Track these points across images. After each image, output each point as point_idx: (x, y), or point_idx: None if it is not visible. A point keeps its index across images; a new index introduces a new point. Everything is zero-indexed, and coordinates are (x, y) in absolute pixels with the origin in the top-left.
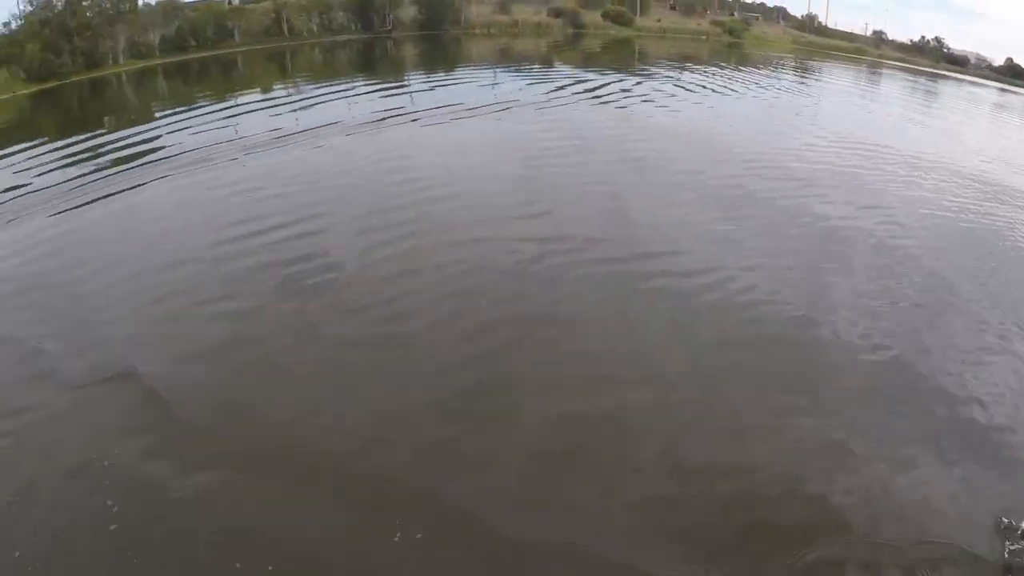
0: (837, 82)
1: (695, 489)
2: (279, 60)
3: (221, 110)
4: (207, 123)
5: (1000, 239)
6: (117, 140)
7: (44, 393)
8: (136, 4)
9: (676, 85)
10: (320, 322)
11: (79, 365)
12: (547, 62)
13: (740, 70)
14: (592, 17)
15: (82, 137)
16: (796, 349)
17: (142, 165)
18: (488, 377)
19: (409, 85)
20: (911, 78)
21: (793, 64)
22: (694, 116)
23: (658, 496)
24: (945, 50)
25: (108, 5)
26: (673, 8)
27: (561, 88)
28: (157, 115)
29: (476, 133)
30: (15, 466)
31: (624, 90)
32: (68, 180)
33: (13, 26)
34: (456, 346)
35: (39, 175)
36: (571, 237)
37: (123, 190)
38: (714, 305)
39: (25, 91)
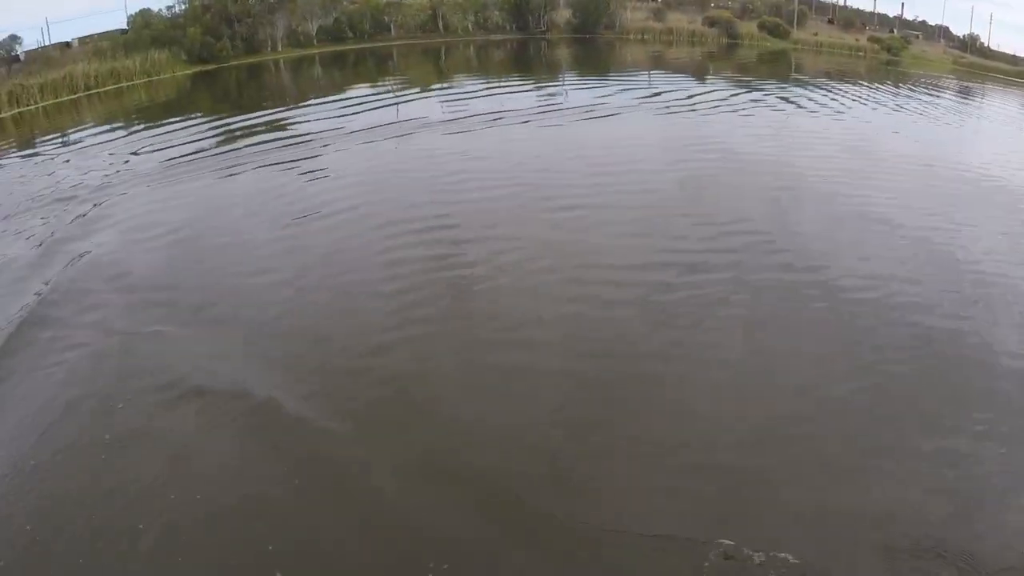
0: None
1: None
2: (434, 55)
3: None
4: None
5: None
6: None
7: None
8: None
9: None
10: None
11: None
12: (701, 71)
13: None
14: (747, 28)
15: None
16: None
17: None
18: None
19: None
20: None
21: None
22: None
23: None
24: None
25: None
26: (831, 22)
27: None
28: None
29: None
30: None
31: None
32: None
33: (177, 9)
34: None
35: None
36: None
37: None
38: None
39: (186, 71)
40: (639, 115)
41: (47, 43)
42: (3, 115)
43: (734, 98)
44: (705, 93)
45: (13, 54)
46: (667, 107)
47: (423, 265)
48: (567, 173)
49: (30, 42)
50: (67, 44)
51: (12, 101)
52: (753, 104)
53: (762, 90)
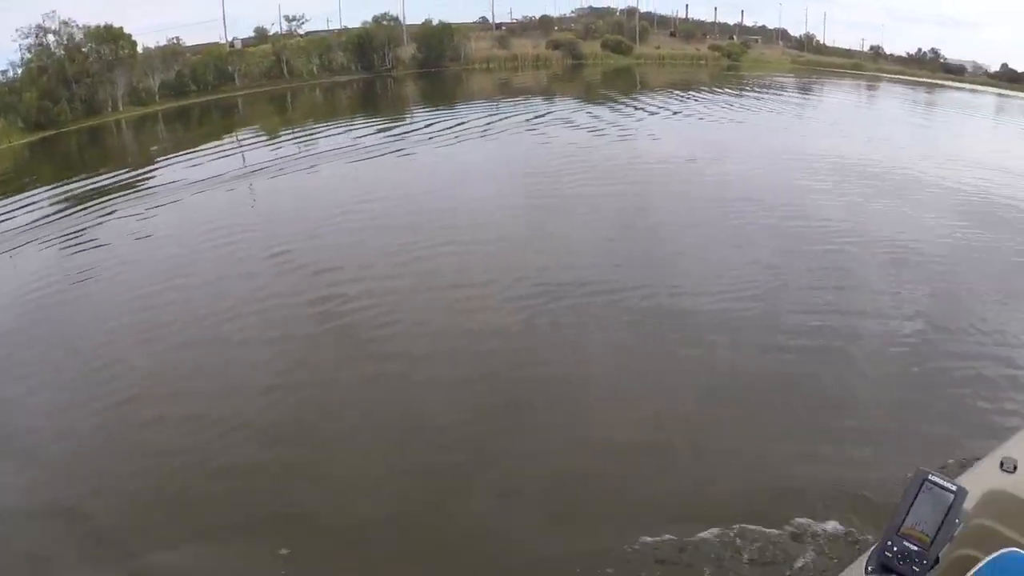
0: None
1: None
2: (280, 102)
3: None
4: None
5: None
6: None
7: None
8: (135, 49)
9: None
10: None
11: None
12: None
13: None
14: (591, 47)
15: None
16: None
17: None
18: None
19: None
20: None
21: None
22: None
23: None
24: (942, 60)
25: (107, 51)
26: (673, 35)
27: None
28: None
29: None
30: None
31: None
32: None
33: (11, 74)
34: None
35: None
36: None
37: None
38: None
39: (22, 140)
40: (486, 141)
41: None
42: None
43: (575, 114)
44: (549, 113)
45: None
46: (522, 130)
47: (290, 303)
48: (419, 204)
49: None
50: None
51: None
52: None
53: (607, 104)
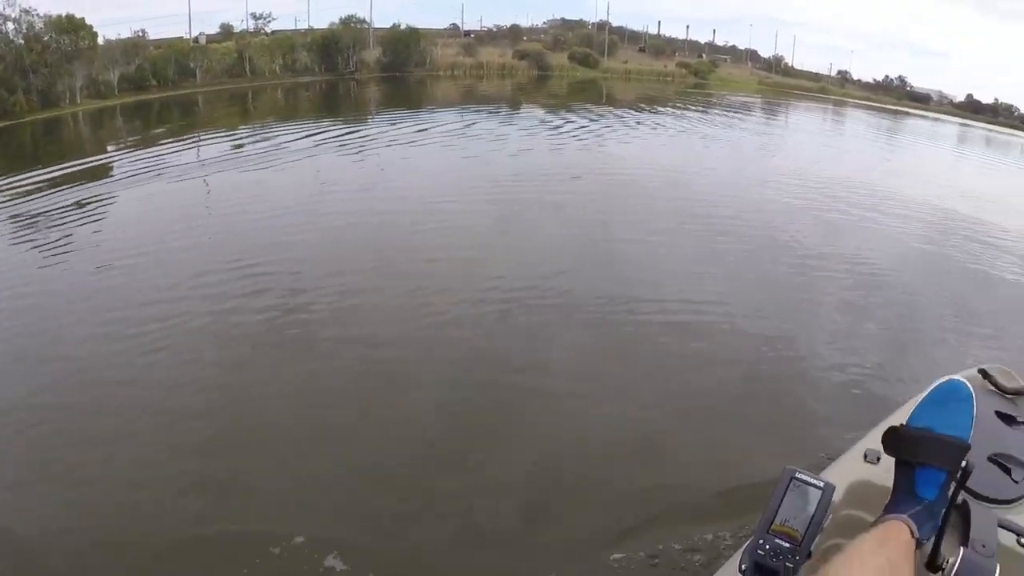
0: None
1: None
2: (241, 100)
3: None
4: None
5: None
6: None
7: None
8: (96, 41)
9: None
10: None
11: None
12: (513, 103)
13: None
14: (558, 59)
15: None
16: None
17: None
18: None
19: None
20: (874, 115)
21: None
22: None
23: None
24: (908, 88)
25: (67, 41)
26: (642, 50)
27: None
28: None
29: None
30: None
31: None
32: None
33: None
34: None
35: None
36: None
37: None
38: None
39: None
40: (444, 148)
41: None
42: None
43: (538, 123)
44: (512, 123)
45: None
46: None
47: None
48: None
49: None
50: None
51: None
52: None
53: (573, 115)
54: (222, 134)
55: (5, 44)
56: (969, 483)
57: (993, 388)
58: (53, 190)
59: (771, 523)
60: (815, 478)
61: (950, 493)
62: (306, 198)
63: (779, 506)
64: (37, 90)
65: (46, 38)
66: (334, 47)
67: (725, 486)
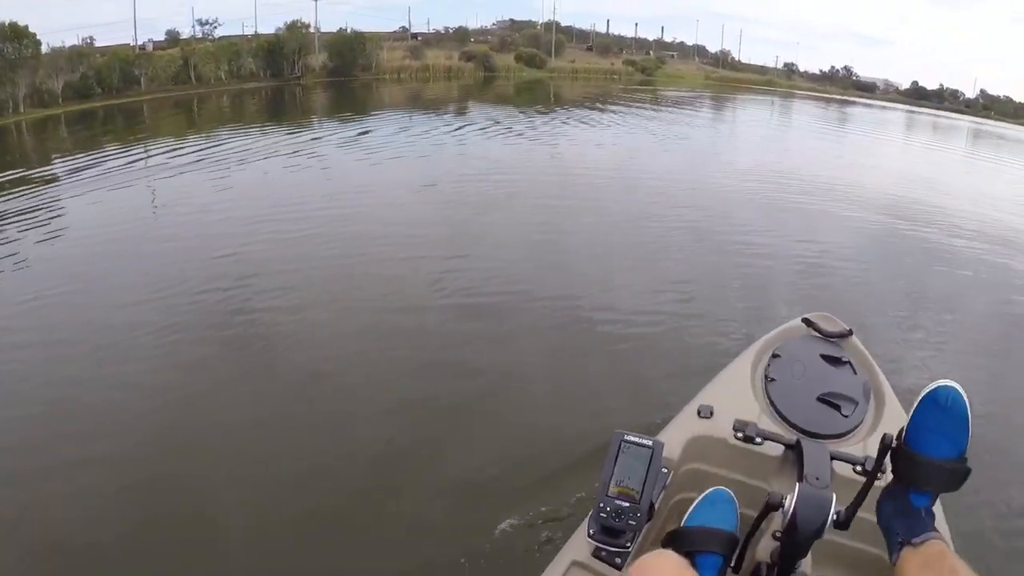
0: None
1: None
2: (186, 108)
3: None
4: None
5: None
6: None
7: None
8: (39, 49)
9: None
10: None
11: None
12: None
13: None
14: (504, 60)
15: None
16: None
17: None
18: None
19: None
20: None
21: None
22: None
23: None
24: (854, 77)
25: (10, 50)
26: (590, 49)
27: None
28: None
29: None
30: None
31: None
32: None
33: None
34: None
35: None
36: None
37: None
38: None
39: None
40: (389, 152)
41: None
42: None
43: (485, 125)
44: (461, 125)
45: None
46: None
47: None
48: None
49: None
50: None
51: None
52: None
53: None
54: (167, 142)
55: None
56: (801, 423)
57: (817, 334)
58: None
59: (608, 486)
60: (643, 438)
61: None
62: (252, 206)
63: (613, 469)
64: None
65: None
66: (279, 52)
67: (566, 459)
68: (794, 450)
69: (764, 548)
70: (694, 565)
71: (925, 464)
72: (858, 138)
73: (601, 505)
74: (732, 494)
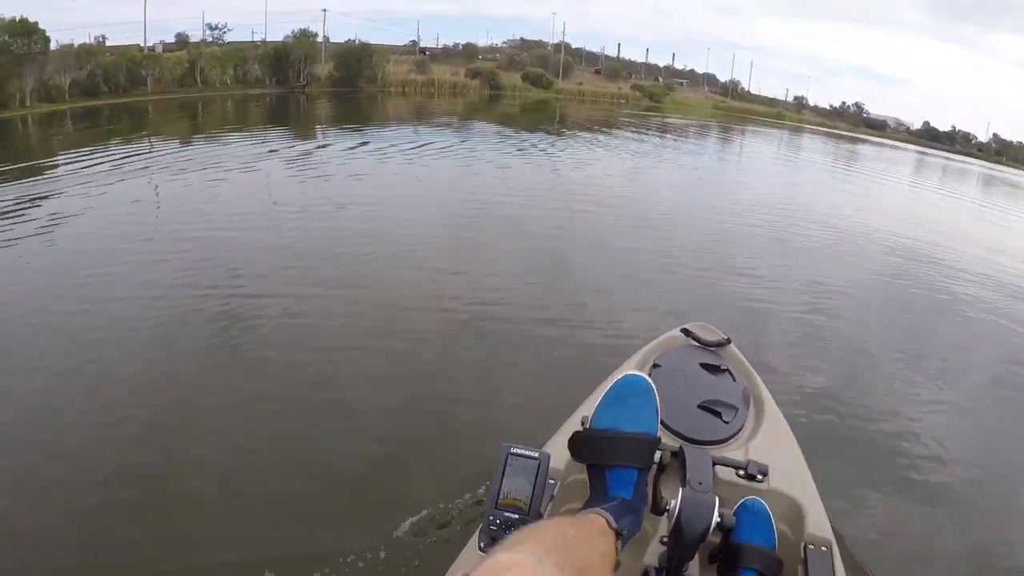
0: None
1: None
2: (191, 110)
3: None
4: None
5: None
6: None
7: None
8: (47, 45)
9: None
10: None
11: None
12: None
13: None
14: (511, 79)
15: None
16: None
17: None
18: None
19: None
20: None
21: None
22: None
23: None
24: (865, 115)
25: (20, 45)
26: (598, 72)
27: None
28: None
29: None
30: None
31: None
32: None
33: None
34: None
35: None
36: None
37: None
38: None
39: None
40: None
41: None
42: None
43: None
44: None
45: None
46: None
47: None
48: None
49: None
50: None
51: None
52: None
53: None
54: (172, 141)
55: None
56: (684, 431)
57: (696, 343)
58: None
59: (496, 499)
60: (530, 450)
61: (648, 488)
62: (251, 210)
63: (501, 481)
64: None
65: (4, 38)
66: (286, 60)
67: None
68: (677, 457)
69: (652, 553)
70: (604, 480)
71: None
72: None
73: (491, 518)
74: (651, 382)
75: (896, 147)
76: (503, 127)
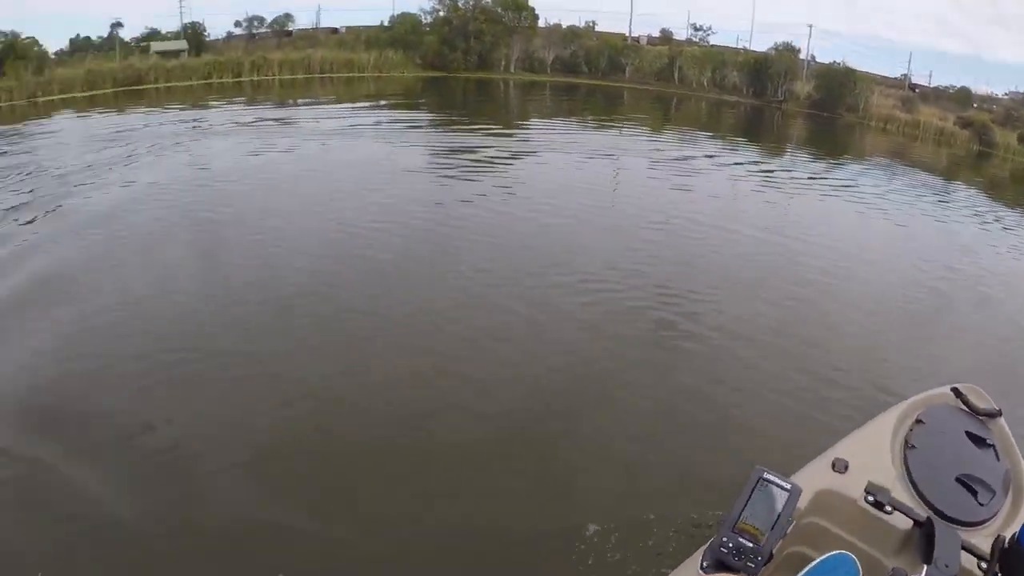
0: None
1: None
2: (664, 104)
3: None
4: None
5: None
6: None
7: None
8: (536, 23)
9: None
10: None
11: None
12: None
13: None
14: (1006, 137)
15: None
16: None
17: None
18: None
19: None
20: None
21: None
22: None
23: None
24: None
25: (511, 17)
26: None
27: None
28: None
29: None
30: None
31: None
32: None
33: (425, 20)
34: None
35: None
36: None
37: None
38: None
39: (416, 74)
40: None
41: (318, 25)
42: (245, 79)
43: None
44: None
45: (286, 29)
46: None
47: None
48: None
49: (304, 22)
50: (335, 30)
51: (253, 70)
52: None
53: None
54: (643, 128)
55: (454, 10)
56: (935, 501)
57: (964, 408)
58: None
59: (736, 521)
60: (784, 480)
61: None
62: (714, 222)
63: (745, 504)
64: (477, 53)
65: (497, 10)
66: (765, 72)
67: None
68: (923, 529)
69: None
70: None
71: None
72: None
73: (724, 539)
74: (858, 564)
75: None
76: (995, 203)
